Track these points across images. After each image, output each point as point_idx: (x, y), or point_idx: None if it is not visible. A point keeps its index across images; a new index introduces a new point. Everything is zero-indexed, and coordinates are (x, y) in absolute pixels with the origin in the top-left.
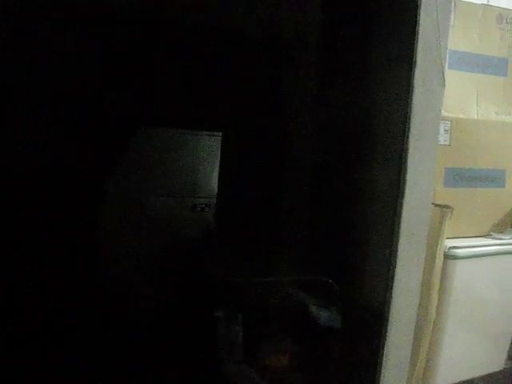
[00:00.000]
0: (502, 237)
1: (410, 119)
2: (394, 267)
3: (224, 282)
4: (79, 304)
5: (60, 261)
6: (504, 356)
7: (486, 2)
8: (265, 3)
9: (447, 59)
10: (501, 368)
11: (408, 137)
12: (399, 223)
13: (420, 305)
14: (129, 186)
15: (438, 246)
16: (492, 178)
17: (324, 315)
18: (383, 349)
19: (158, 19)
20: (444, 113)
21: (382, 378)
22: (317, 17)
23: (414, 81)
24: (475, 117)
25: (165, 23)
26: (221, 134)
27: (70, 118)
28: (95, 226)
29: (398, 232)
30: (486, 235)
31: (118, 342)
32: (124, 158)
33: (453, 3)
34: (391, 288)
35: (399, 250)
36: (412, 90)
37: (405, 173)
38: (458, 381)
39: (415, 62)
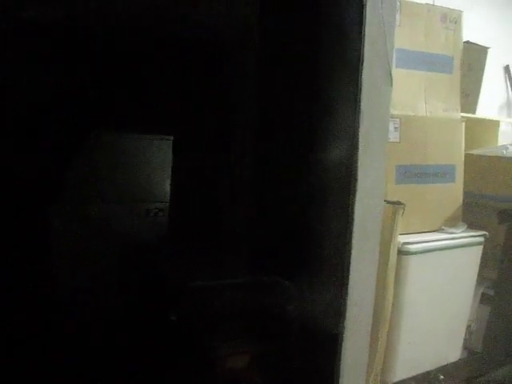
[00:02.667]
0: (454, 231)
1: (358, 118)
2: (349, 264)
3: (179, 286)
4: (26, 313)
5: (5, 266)
6: (460, 347)
7: (430, 2)
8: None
9: (394, 58)
10: (457, 359)
11: (358, 135)
12: (352, 221)
13: (376, 301)
14: (80, 191)
15: (392, 242)
16: (442, 174)
17: (280, 314)
18: (341, 345)
19: (104, 24)
20: (393, 111)
21: (340, 374)
22: (257, 16)
23: (362, 80)
24: (424, 114)
25: (107, 27)
26: (171, 137)
27: (19, 122)
28: (46, 234)
29: (352, 229)
30: (438, 230)
31: (72, 347)
32: (74, 163)
33: (398, 3)
34: (346, 285)
35: (353, 247)
36: (360, 90)
37: (356, 171)
38: (415, 374)
39: (362, 62)
